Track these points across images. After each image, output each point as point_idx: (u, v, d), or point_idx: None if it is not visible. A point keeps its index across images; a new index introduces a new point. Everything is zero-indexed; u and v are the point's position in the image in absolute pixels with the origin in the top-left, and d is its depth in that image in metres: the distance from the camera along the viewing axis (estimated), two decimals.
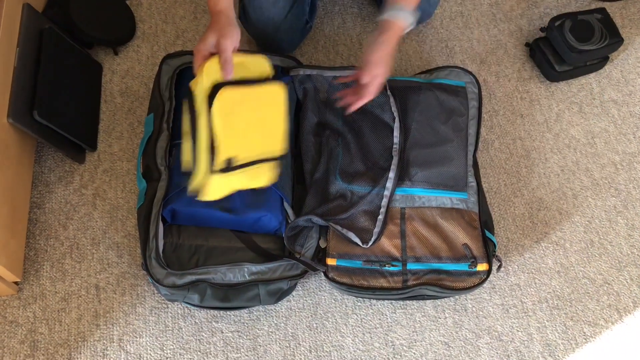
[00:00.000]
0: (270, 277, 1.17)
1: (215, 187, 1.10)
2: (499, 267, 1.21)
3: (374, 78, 1.20)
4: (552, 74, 1.48)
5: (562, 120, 1.47)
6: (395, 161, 1.25)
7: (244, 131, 1.10)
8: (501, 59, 1.54)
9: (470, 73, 1.36)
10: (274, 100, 1.13)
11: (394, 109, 1.29)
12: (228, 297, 1.15)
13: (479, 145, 1.34)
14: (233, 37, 1.07)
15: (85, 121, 1.36)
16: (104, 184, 1.34)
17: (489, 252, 1.21)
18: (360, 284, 1.20)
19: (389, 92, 1.31)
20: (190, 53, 1.32)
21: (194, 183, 1.10)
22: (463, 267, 1.20)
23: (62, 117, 1.28)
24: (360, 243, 1.19)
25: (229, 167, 1.09)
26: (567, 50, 1.43)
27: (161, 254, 1.15)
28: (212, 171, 1.07)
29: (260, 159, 1.14)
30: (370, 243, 1.20)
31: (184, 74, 1.31)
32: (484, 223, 1.24)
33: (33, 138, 1.30)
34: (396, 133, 1.28)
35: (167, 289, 1.13)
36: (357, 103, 1.23)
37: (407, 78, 1.36)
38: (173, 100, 1.27)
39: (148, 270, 1.13)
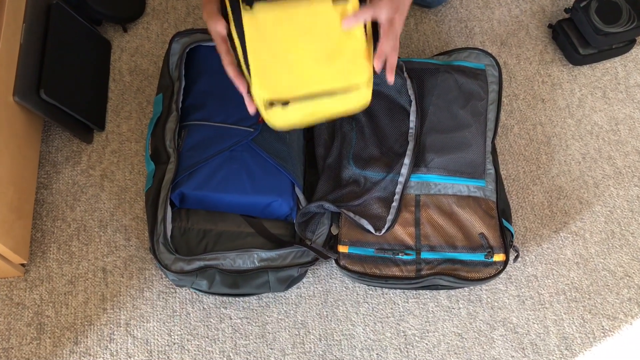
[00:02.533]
0: (280, 264, 1.14)
1: (278, 118, 0.96)
2: (516, 257, 1.18)
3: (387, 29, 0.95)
4: (575, 58, 1.43)
5: (584, 106, 1.41)
6: (411, 146, 1.21)
7: (296, 61, 0.90)
8: (522, 41, 1.48)
9: (491, 55, 1.31)
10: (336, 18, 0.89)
11: (410, 92, 1.25)
12: (237, 284, 1.13)
13: (498, 130, 1.30)
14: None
15: (93, 100, 1.33)
16: (112, 165, 1.31)
17: (506, 242, 1.17)
18: (373, 272, 1.17)
19: (405, 74, 1.26)
20: (201, 31, 1.28)
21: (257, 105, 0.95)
22: (479, 257, 1.16)
23: (69, 95, 1.24)
24: (373, 230, 1.16)
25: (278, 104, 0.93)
26: (592, 32, 1.37)
27: (169, 239, 1.12)
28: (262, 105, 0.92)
29: (329, 91, 0.93)
30: (383, 231, 1.16)
31: (195, 53, 1.27)
32: (501, 212, 1.20)
33: (40, 117, 1.27)
34: (412, 117, 1.24)
35: (174, 274, 1.10)
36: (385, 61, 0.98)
37: (424, 60, 1.31)
38: (182, 80, 1.23)
39: (156, 255, 1.11)
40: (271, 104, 0.94)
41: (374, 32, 0.98)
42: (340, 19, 0.90)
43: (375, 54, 0.96)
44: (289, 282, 1.16)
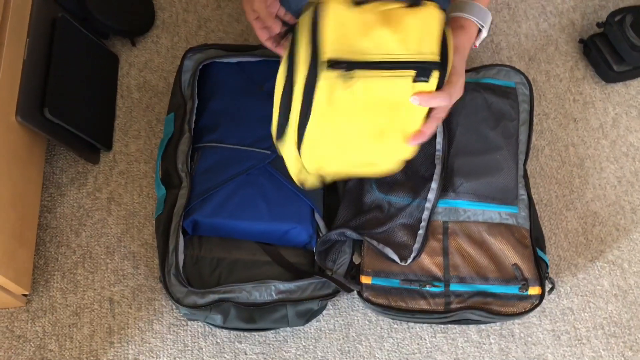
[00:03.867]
0: (300, 296, 1.06)
1: (310, 181, 0.95)
2: (551, 289, 1.10)
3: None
4: (609, 75, 1.35)
5: (619, 126, 1.34)
6: (438, 170, 1.14)
7: (351, 134, 0.86)
8: (552, 57, 1.40)
9: (521, 73, 1.24)
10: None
11: None
12: (253, 318, 1.05)
13: (530, 153, 1.22)
14: None
15: (100, 118, 1.26)
16: (119, 187, 1.23)
17: (542, 273, 1.09)
18: (398, 305, 1.09)
19: None
20: (216, 46, 1.21)
21: (290, 170, 0.93)
22: (513, 290, 1.09)
23: (75, 114, 1.17)
24: (398, 260, 1.09)
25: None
26: (627, 48, 1.30)
27: (181, 270, 1.05)
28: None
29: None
30: (409, 260, 1.09)
31: (208, 70, 1.20)
32: (535, 240, 1.12)
33: (43, 137, 1.20)
34: (439, 139, 1.16)
35: (187, 308, 1.03)
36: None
37: None
38: (195, 99, 1.16)
39: (167, 288, 1.03)
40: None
41: None
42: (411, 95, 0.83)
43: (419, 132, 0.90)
44: (309, 316, 1.08)
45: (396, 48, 0.78)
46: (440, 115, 0.90)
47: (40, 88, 1.13)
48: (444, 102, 0.85)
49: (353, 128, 0.86)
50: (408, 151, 0.93)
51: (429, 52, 0.79)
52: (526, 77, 1.24)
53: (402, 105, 0.83)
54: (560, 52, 1.41)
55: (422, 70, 0.79)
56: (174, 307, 1.14)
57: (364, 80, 0.79)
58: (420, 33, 0.79)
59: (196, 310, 1.03)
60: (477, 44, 0.98)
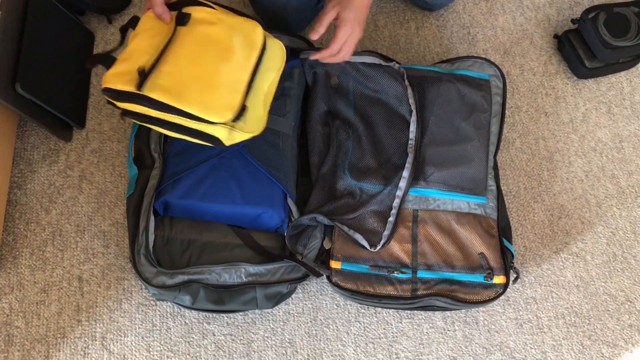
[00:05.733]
0: (269, 279, 1.07)
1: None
2: (516, 279, 1.12)
3: (344, 40, 1.07)
4: (581, 70, 1.38)
5: (588, 121, 1.36)
6: (410, 159, 1.15)
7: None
8: (526, 51, 1.42)
9: (496, 65, 1.25)
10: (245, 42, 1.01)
11: (411, 101, 1.18)
12: (222, 300, 1.06)
13: (500, 145, 1.24)
14: None
15: (74, 96, 1.25)
16: (91, 166, 1.23)
17: (507, 263, 1.11)
18: (366, 290, 1.11)
19: (407, 82, 1.20)
20: None
21: None
22: (478, 278, 1.11)
23: (48, 90, 1.16)
24: (367, 246, 1.10)
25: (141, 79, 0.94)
26: (599, 45, 1.32)
27: (151, 250, 1.05)
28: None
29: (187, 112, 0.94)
30: (378, 247, 1.10)
31: None
32: (502, 231, 1.15)
33: (15, 113, 1.18)
34: (412, 128, 1.17)
35: (156, 288, 1.03)
36: (328, 59, 1.10)
37: (426, 67, 1.25)
38: None
39: (136, 267, 1.03)
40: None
41: None
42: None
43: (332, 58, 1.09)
44: (278, 299, 1.09)
45: None
46: (336, 46, 1.07)
47: (12, 63, 1.11)
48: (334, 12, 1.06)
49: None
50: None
51: None
52: (500, 70, 1.25)
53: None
54: (535, 47, 1.43)
55: None
56: (143, 287, 1.14)
57: None
58: None
59: (165, 290, 1.03)
60: None
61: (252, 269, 1.07)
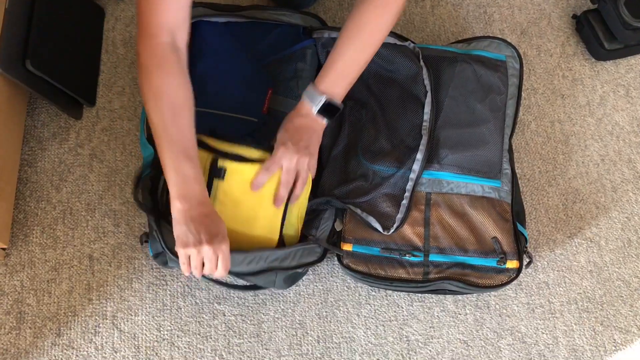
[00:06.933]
0: (289, 264, 1.06)
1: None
2: (529, 263, 1.11)
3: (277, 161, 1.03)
4: (599, 52, 1.35)
5: (606, 104, 1.34)
6: (424, 141, 1.13)
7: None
8: (544, 31, 1.39)
9: (513, 46, 1.23)
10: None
11: (426, 81, 1.16)
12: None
13: (516, 128, 1.22)
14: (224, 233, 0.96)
15: (84, 73, 1.23)
16: (102, 144, 1.22)
17: (520, 247, 1.10)
18: (377, 273, 1.10)
19: (422, 62, 1.17)
20: (204, 5, 1.18)
21: None
22: (491, 262, 1.10)
23: (57, 67, 1.15)
24: (381, 229, 1.09)
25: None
26: (620, 26, 1.29)
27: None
28: None
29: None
30: (392, 230, 1.10)
31: (195, 30, 1.17)
32: (516, 215, 1.13)
33: (25, 90, 1.17)
34: (427, 109, 1.15)
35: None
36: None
37: (442, 47, 1.23)
38: None
39: (162, 237, 1.00)
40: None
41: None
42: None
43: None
44: (293, 279, 1.09)
45: None
46: (285, 178, 1.03)
47: (22, 39, 1.10)
48: (264, 177, 1.02)
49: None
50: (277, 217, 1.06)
51: None
52: (517, 51, 1.23)
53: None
54: (552, 27, 1.40)
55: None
56: (154, 265, 1.14)
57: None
58: None
59: None
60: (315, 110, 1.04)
61: (273, 255, 1.05)
